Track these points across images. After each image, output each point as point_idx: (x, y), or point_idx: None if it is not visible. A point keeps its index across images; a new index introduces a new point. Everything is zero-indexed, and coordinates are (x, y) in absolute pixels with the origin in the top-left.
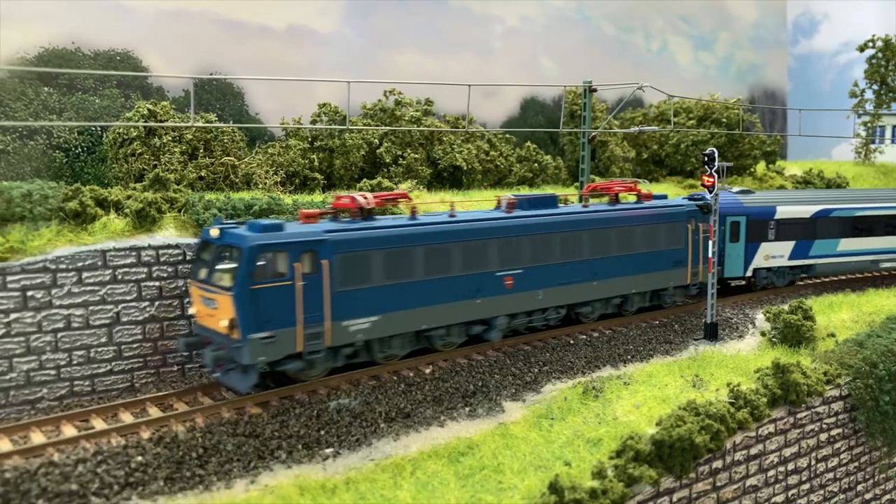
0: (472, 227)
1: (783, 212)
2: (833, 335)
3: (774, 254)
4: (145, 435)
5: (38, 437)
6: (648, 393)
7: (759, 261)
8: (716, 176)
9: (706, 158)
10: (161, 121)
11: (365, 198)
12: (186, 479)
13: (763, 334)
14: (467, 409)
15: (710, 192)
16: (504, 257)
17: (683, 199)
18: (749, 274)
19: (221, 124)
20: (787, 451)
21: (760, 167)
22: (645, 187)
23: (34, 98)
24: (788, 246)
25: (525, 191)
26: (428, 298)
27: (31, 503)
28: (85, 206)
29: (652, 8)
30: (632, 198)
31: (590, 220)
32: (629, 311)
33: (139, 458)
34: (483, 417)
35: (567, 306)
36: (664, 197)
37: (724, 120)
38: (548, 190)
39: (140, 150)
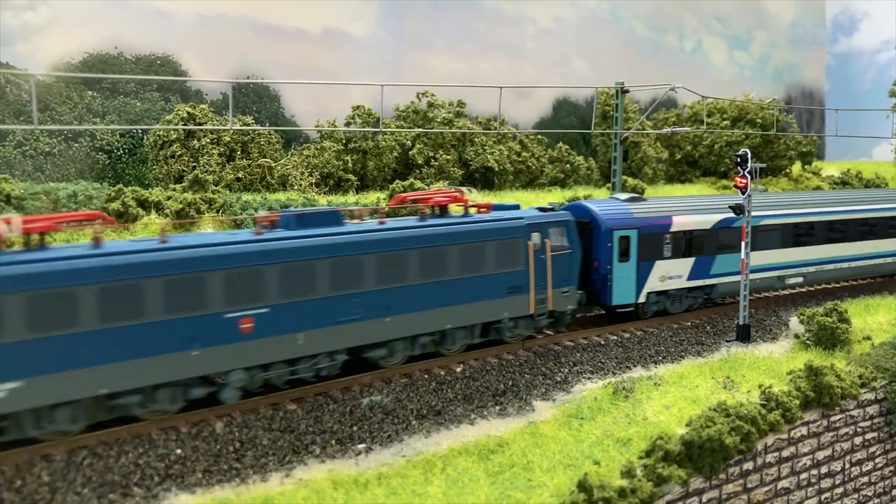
0: (182, 256)
1: (681, 223)
2: (869, 338)
3: (672, 273)
4: (184, 428)
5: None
6: (679, 394)
7: (653, 283)
8: (748, 177)
9: (738, 159)
10: (200, 124)
11: (8, 223)
12: (224, 471)
13: (797, 336)
14: (497, 407)
15: (743, 193)
16: (238, 293)
17: (535, 209)
18: (642, 300)
19: (258, 127)
20: (821, 455)
21: (796, 168)
22: (476, 196)
23: (79, 102)
24: (687, 264)
25: (557, 193)
26: (105, 354)
27: (77, 492)
28: (127, 207)
29: (686, 8)
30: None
31: (378, 241)
32: (451, 350)
33: (178, 451)
34: (513, 416)
35: (349, 350)
36: (516, 207)
37: (759, 120)
38: (580, 191)
39: (179, 152)
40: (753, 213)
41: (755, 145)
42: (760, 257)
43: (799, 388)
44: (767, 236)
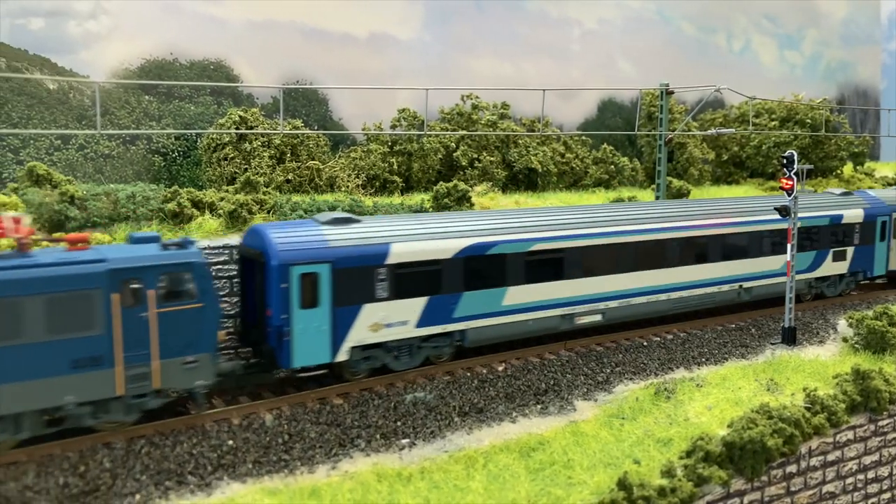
0: None
1: (404, 252)
2: None
3: (390, 320)
4: (236, 421)
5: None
6: (721, 395)
7: (360, 333)
8: (795, 179)
9: (784, 161)
10: (251, 127)
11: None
12: (273, 462)
13: (845, 340)
14: (539, 406)
15: (789, 195)
16: None
17: (158, 244)
18: (343, 357)
19: (307, 130)
20: (867, 459)
21: (848, 169)
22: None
23: (136, 106)
24: (416, 305)
25: (601, 194)
26: None
27: (136, 478)
28: (182, 207)
29: (734, 7)
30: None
31: None
32: None
33: (230, 442)
34: (554, 415)
35: None
36: (155, 239)
37: (809, 121)
38: (624, 192)
39: (232, 155)
40: (525, 236)
41: (804, 146)
42: (531, 292)
43: (845, 392)
44: (544, 264)
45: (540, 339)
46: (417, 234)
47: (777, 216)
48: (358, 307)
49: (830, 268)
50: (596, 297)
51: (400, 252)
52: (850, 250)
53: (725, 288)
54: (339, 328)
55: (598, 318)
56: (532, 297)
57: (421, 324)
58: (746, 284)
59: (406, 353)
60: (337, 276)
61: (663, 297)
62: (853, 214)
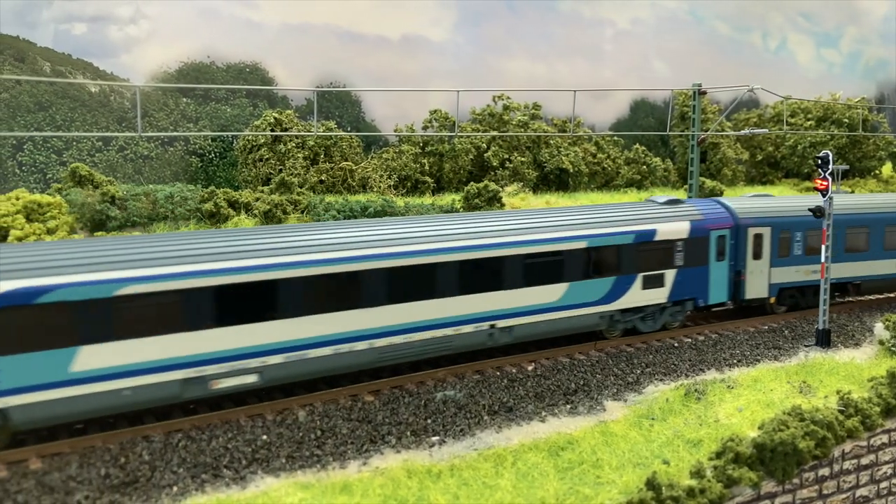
0: None
1: None
2: None
3: None
4: (269, 416)
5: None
6: (752, 397)
7: None
8: (830, 179)
9: (820, 161)
10: (286, 129)
11: None
12: (305, 457)
13: (881, 343)
14: (568, 406)
15: (824, 196)
16: None
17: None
18: None
19: (341, 132)
20: None
21: (886, 169)
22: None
23: (174, 108)
24: None
25: (633, 194)
26: None
27: (174, 471)
28: (219, 207)
29: (770, 6)
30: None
31: None
32: None
33: (264, 437)
34: (584, 415)
35: None
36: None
37: (846, 120)
38: (656, 192)
39: (267, 156)
40: (100, 277)
41: (841, 146)
42: (138, 350)
43: (880, 395)
44: (155, 309)
45: (571, 339)
46: None
47: (562, 235)
48: None
49: (640, 297)
50: (246, 353)
51: None
52: (669, 274)
53: (468, 329)
54: None
55: (253, 379)
56: (135, 358)
57: None
58: (503, 323)
59: None
60: None
61: (361, 346)
62: (673, 229)
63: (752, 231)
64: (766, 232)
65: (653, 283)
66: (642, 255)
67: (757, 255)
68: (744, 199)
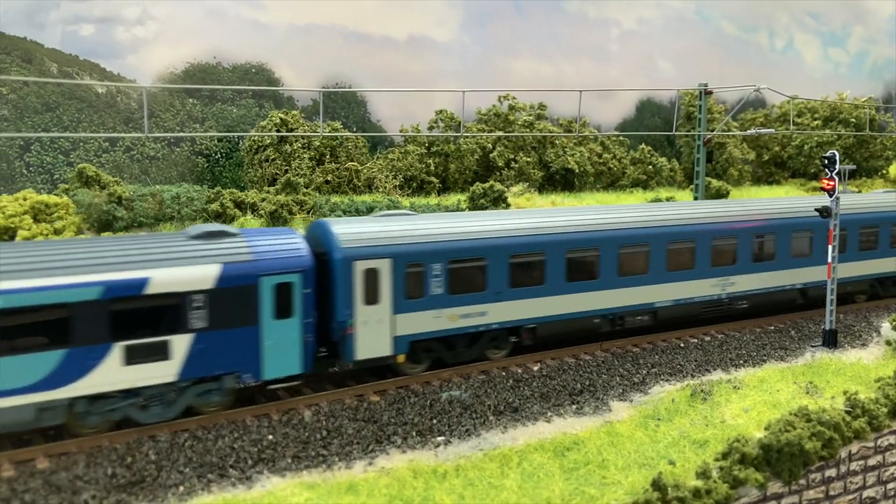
0: None
1: None
2: None
3: None
4: (275, 416)
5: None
6: (759, 398)
7: None
8: (836, 179)
9: (826, 161)
10: (291, 129)
11: None
12: (311, 457)
13: (888, 343)
14: (574, 406)
15: (831, 196)
16: None
17: None
18: None
19: (346, 133)
20: None
21: (893, 169)
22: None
23: (181, 109)
24: None
25: (639, 194)
26: None
27: (180, 471)
28: (225, 208)
29: (776, 6)
30: None
31: None
32: None
33: (270, 437)
34: (589, 415)
35: None
36: None
37: (853, 120)
38: (662, 193)
39: (273, 156)
40: None
41: (848, 146)
42: None
43: (887, 396)
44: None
45: (577, 340)
46: None
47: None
48: None
49: (120, 376)
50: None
51: None
52: (179, 341)
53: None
54: None
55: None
56: None
57: None
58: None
59: None
60: None
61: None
62: (183, 277)
63: (359, 265)
64: (383, 266)
65: (147, 354)
66: (125, 316)
67: (371, 299)
68: (369, 220)
